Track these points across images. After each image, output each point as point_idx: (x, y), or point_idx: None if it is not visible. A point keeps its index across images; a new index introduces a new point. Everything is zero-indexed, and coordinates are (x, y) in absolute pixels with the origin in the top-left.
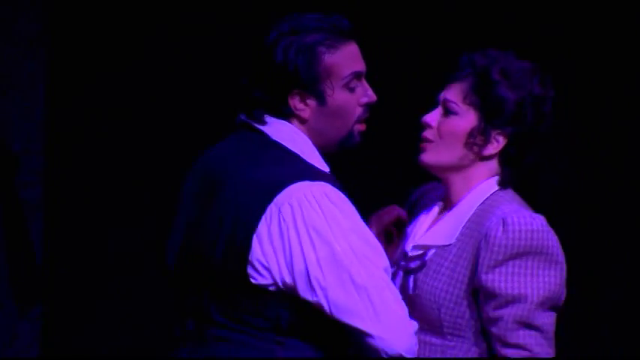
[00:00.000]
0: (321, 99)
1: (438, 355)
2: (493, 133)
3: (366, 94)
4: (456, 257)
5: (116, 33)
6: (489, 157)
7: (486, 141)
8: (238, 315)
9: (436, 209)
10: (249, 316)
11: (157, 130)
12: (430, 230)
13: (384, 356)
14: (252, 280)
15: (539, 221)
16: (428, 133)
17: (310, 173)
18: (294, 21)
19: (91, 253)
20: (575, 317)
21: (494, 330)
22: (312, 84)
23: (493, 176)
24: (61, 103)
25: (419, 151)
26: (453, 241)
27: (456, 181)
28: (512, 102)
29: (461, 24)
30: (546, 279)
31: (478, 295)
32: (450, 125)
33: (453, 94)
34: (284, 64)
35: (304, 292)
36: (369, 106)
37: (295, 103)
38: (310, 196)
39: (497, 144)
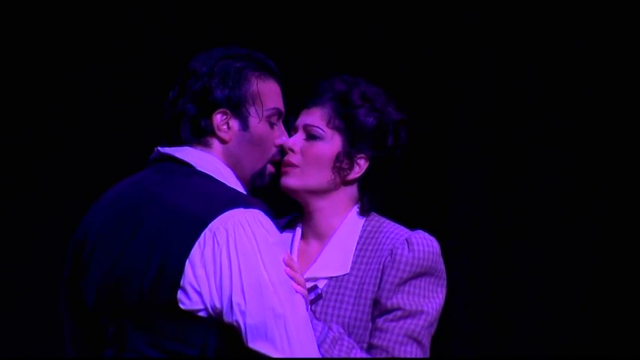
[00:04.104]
0: (244, 123)
1: None
2: (356, 157)
3: (282, 136)
4: (359, 285)
5: None
6: (352, 182)
7: (351, 165)
8: (163, 343)
9: (298, 240)
10: (176, 344)
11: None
12: (316, 263)
13: None
14: (182, 306)
15: (437, 244)
16: (292, 158)
17: (243, 200)
18: (225, 49)
19: None
20: (487, 344)
21: (380, 341)
22: (238, 105)
23: (355, 202)
24: None
25: (281, 174)
26: (347, 270)
27: (323, 207)
28: (375, 126)
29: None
30: (438, 300)
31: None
32: (316, 150)
33: (315, 119)
34: (214, 82)
35: (227, 316)
36: (280, 150)
37: (218, 122)
38: (245, 222)
39: (359, 168)
